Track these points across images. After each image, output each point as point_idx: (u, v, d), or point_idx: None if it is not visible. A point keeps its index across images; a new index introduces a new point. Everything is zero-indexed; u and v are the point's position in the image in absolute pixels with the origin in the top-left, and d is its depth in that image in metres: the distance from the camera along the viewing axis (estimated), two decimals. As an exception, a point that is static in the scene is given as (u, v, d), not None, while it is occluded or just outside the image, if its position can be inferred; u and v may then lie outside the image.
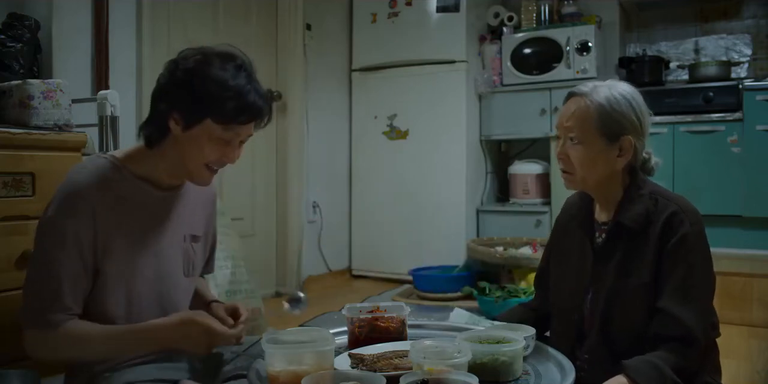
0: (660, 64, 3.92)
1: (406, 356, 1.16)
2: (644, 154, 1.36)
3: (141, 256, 1.27)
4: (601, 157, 1.30)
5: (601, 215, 1.39)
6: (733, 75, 3.82)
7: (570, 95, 1.35)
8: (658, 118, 3.62)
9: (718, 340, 1.32)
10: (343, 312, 1.40)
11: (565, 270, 1.42)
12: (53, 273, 1.17)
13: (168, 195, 1.33)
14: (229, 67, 1.22)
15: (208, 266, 1.54)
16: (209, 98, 1.19)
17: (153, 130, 1.26)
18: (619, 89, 1.31)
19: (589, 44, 3.73)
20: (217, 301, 1.44)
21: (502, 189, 4.24)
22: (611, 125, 1.28)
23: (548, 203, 3.82)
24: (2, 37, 2.14)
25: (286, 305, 1.29)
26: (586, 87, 1.33)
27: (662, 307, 1.22)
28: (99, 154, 1.30)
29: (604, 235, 1.36)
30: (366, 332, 1.35)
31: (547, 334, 1.46)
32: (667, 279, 1.24)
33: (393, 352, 1.24)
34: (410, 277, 3.72)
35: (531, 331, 1.28)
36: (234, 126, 1.23)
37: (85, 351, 1.21)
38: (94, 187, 1.21)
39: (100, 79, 2.59)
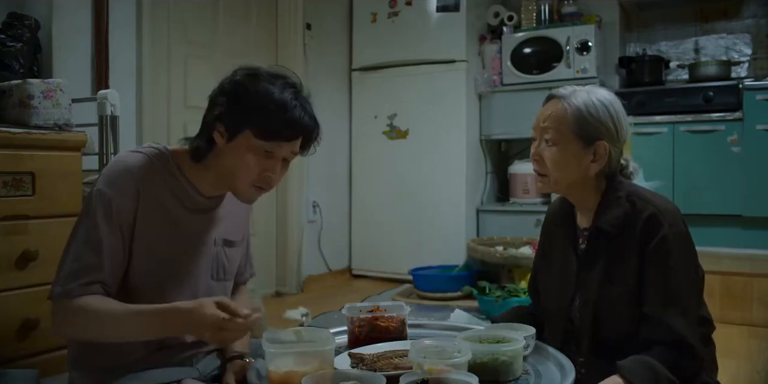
0: (660, 63, 3.92)
1: (406, 356, 1.16)
2: (622, 161, 1.35)
3: (170, 251, 1.25)
4: (575, 160, 1.29)
5: (582, 221, 1.38)
6: (733, 74, 3.82)
7: (549, 97, 1.35)
8: (658, 118, 3.67)
9: (718, 340, 1.31)
10: (343, 312, 1.41)
11: (551, 277, 1.42)
12: (96, 245, 1.16)
13: (208, 203, 1.31)
14: (277, 82, 1.20)
15: (248, 270, 1.52)
16: (251, 109, 1.17)
17: (200, 143, 1.25)
18: (597, 95, 1.30)
19: (589, 44, 3.72)
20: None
21: (502, 189, 4.24)
22: (587, 129, 1.27)
23: (548, 203, 3.80)
24: (2, 36, 2.14)
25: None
26: (565, 90, 1.32)
27: (648, 313, 1.21)
28: (152, 144, 1.30)
29: (586, 242, 1.35)
30: (366, 332, 1.35)
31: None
32: (650, 283, 1.23)
33: (393, 351, 1.24)
34: (410, 277, 3.72)
35: (531, 330, 1.28)
36: (278, 141, 1.20)
37: (102, 326, 1.14)
38: (143, 169, 1.22)
39: (100, 78, 2.59)
